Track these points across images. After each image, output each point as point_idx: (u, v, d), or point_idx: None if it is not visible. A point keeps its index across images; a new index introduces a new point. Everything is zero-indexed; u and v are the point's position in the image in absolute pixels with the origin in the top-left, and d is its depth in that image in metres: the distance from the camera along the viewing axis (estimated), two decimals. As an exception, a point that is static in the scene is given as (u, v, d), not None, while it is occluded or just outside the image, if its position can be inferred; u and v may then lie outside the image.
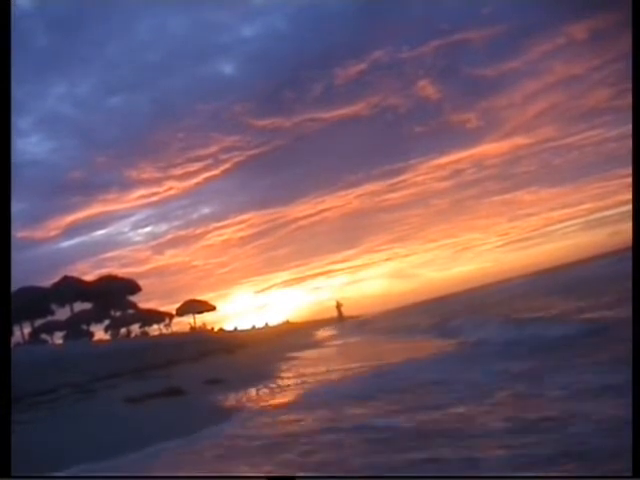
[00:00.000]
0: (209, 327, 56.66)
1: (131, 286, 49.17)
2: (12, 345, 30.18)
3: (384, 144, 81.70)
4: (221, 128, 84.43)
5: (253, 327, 68.06)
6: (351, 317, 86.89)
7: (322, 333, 47.53)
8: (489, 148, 77.23)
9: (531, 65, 68.68)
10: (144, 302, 51.18)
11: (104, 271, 52.79)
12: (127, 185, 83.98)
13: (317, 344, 29.83)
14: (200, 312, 56.15)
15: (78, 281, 45.55)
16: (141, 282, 51.13)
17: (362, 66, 70.84)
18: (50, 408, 11.87)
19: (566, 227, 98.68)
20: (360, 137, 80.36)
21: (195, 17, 72.23)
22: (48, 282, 44.12)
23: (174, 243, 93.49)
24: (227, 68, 77.98)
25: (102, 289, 45.26)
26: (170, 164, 77.75)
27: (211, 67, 78.14)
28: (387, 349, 18.05)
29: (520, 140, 76.65)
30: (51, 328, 43.87)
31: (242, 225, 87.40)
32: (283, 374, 13.99)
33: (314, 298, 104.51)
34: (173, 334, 50.26)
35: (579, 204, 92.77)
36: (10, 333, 28.45)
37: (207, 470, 5.39)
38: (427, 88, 72.02)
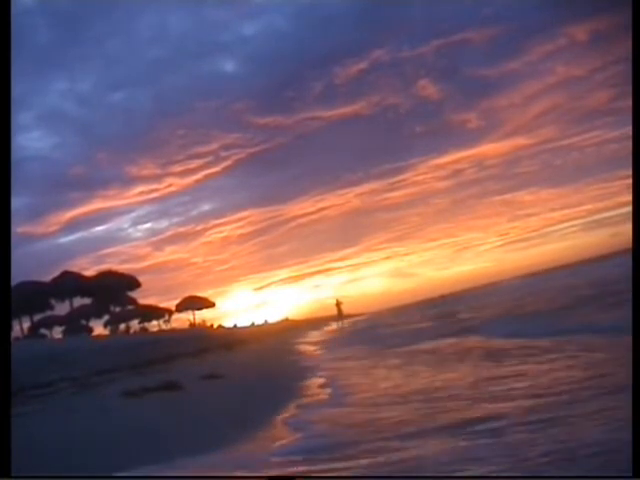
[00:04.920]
0: (208, 324, 56.70)
1: (131, 282, 49.16)
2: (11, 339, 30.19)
3: (384, 143, 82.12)
4: (222, 125, 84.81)
5: (252, 324, 68.19)
6: (351, 315, 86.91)
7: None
8: (489, 148, 77.47)
9: (532, 66, 68.92)
10: (143, 298, 51.27)
11: (104, 267, 52.88)
12: (127, 181, 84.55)
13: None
14: (199, 309, 56.17)
15: (78, 276, 45.56)
16: (141, 278, 51.19)
17: (363, 65, 71.11)
18: (46, 401, 11.90)
19: (566, 228, 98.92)
20: (360, 136, 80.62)
21: (196, 15, 72.59)
22: (48, 277, 44.17)
23: (174, 240, 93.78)
24: (228, 66, 78.30)
25: (102, 284, 45.25)
26: (170, 161, 78.30)
27: (212, 65, 78.62)
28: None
29: (521, 140, 76.90)
30: (50, 323, 43.90)
31: (241, 222, 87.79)
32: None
33: (313, 296, 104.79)
34: (172, 330, 50.24)
35: (579, 205, 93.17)
36: (10, 328, 28.49)
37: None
38: (428, 88, 72.25)
